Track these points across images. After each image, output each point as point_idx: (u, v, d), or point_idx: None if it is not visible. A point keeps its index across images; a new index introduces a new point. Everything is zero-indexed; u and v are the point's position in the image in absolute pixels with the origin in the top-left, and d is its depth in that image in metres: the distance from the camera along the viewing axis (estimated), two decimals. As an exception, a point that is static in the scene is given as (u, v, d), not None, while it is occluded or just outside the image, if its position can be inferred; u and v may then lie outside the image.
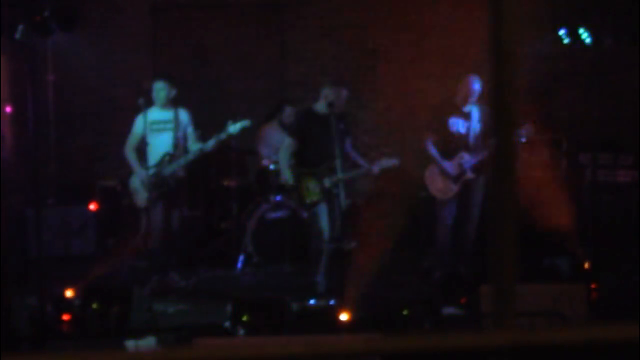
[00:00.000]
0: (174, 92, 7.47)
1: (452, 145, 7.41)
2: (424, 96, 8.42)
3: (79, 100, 9.54)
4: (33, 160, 7.33)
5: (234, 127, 7.28)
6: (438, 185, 7.49)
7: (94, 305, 6.07)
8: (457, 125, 7.39)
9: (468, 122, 7.40)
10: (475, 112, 7.41)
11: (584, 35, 8.16)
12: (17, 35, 7.40)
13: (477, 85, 7.32)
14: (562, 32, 8.56)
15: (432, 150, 7.40)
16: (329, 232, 6.96)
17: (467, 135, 7.41)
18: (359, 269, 6.87)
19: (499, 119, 1.48)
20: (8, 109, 8.69)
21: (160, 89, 7.40)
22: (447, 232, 7.51)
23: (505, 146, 1.48)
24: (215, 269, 8.17)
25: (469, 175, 7.38)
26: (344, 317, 5.88)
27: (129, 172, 7.55)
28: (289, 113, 8.55)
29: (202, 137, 7.49)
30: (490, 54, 1.48)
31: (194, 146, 7.44)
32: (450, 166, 7.41)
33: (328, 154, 6.74)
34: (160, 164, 7.36)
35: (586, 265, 7.11)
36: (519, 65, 1.49)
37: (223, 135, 7.28)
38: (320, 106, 7.04)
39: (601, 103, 7.49)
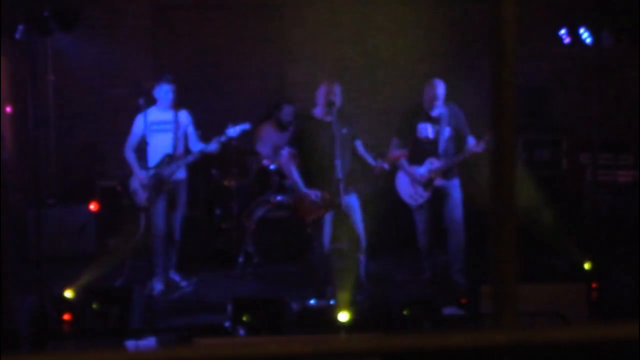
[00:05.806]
0: (176, 94, 7.48)
1: (420, 150, 7.21)
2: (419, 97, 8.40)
3: (79, 100, 9.54)
4: (33, 160, 7.33)
5: (233, 130, 7.30)
6: (408, 191, 7.31)
7: (94, 305, 6.07)
8: (426, 130, 7.21)
9: (436, 127, 7.20)
10: (444, 116, 7.20)
11: (584, 35, 8.14)
12: (17, 35, 7.39)
13: (441, 89, 7.12)
14: (562, 32, 8.55)
15: (398, 156, 7.09)
16: (331, 235, 6.86)
17: (435, 140, 7.21)
18: (359, 269, 6.87)
19: (498, 119, 1.48)
20: (8, 109, 8.68)
21: (166, 92, 7.40)
22: (424, 238, 7.35)
23: (505, 146, 1.48)
24: (215, 269, 8.18)
25: (439, 180, 7.21)
26: (344, 317, 5.88)
27: (129, 172, 7.55)
28: (286, 112, 8.54)
29: (203, 138, 7.50)
30: (490, 54, 1.48)
31: (194, 147, 7.45)
32: (418, 172, 7.24)
33: (330, 161, 6.54)
34: (160, 164, 7.36)
35: (586, 265, 7.10)
36: (519, 65, 1.49)
37: (223, 138, 7.29)
38: (319, 110, 6.81)
39: (601, 103, 7.48)
